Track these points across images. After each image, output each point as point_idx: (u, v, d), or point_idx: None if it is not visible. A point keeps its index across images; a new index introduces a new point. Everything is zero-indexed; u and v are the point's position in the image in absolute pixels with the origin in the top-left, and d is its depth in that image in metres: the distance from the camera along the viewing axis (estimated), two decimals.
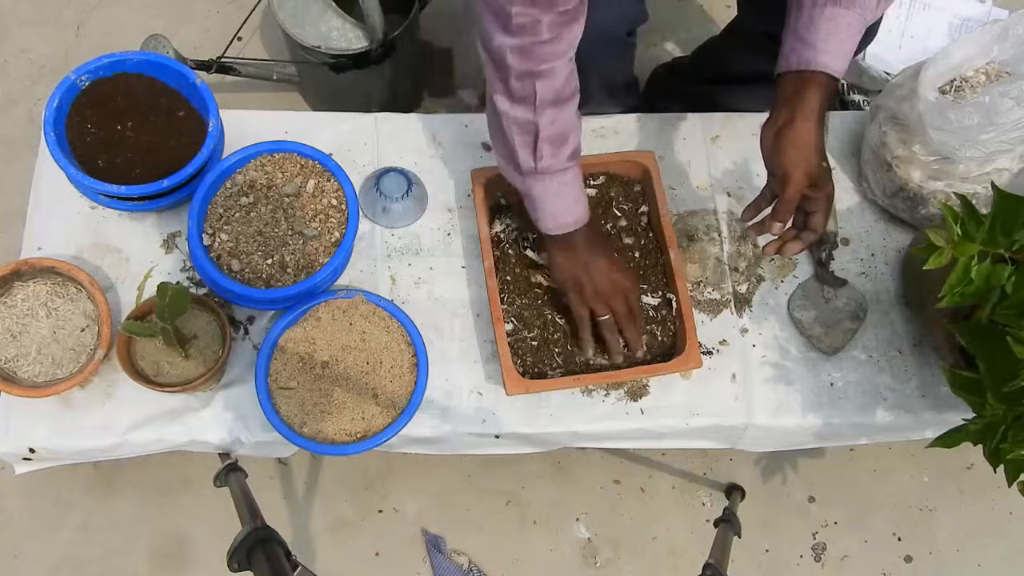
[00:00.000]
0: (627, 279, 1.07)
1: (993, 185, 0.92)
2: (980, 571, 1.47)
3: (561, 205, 1.02)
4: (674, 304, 1.15)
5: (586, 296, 1.06)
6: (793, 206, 0.94)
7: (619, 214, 1.20)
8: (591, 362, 1.12)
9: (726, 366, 1.17)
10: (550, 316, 1.14)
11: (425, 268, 1.20)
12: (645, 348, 1.11)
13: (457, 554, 1.43)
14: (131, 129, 1.13)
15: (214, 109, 1.12)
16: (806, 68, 0.92)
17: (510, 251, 1.17)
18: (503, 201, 1.20)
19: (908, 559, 1.48)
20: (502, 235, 1.17)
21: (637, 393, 1.15)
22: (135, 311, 1.09)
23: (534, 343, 1.13)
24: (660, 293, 1.16)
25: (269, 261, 1.11)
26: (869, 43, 1.23)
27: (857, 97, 1.62)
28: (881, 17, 1.11)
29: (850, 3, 0.91)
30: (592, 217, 1.05)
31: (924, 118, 1.09)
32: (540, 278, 1.15)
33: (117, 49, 1.14)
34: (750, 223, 0.99)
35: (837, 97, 1.65)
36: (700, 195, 1.26)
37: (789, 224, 0.97)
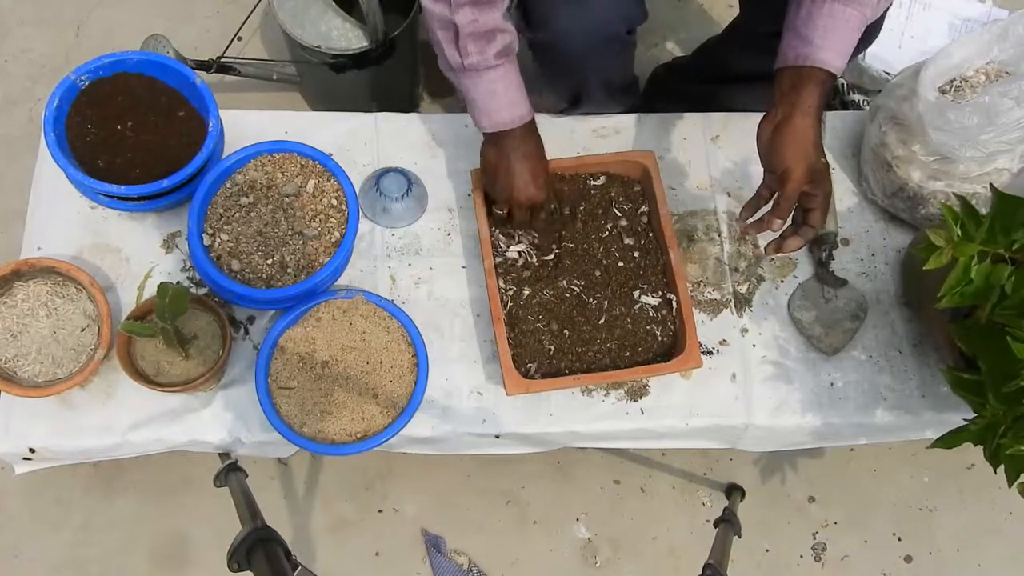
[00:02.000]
0: (536, 191, 1.08)
1: (992, 187, 0.92)
2: (980, 571, 1.47)
3: (494, 103, 1.02)
4: (674, 304, 1.15)
5: (496, 191, 1.09)
6: (793, 203, 0.94)
7: (619, 214, 1.20)
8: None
9: (726, 366, 1.17)
10: (549, 316, 1.14)
11: (425, 268, 1.20)
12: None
13: (457, 554, 1.43)
14: (131, 129, 1.13)
15: (214, 109, 1.12)
16: (804, 64, 0.92)
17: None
18: None
19: (908, 559, 1.47)
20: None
21: (637, 393, 1.15)
22: (135, 311, 1.09)
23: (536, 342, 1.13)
24: (660, 293, 1.16)
25: (269, 261, 1.11)
26: (871, 42, 1.22)
27: (857, 97, 1.62)
28: (884, 17, 1.11)
29: (849, 0, 0.91)
30: (531, 124, 1.06)
31: (924, 118, 1.09)
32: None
33: (117, 49, 1.14)
34: (748, 221, 0.99)
35: (836, 94, 1.65)
36: (700, 195, 1.26)
37: (788, 221, 0.97)
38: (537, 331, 1.14)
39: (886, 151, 1.18)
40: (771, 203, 0.97)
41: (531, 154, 1.07)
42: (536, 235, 1.18)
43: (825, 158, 0.96)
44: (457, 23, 0.96)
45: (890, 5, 1.01)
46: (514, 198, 1.08)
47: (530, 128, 1.06)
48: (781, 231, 0.98)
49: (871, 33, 1.18)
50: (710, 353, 1.17)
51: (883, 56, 1.59)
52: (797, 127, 0.92)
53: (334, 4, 1.42)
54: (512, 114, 1.03)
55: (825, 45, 0.92)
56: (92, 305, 1.09)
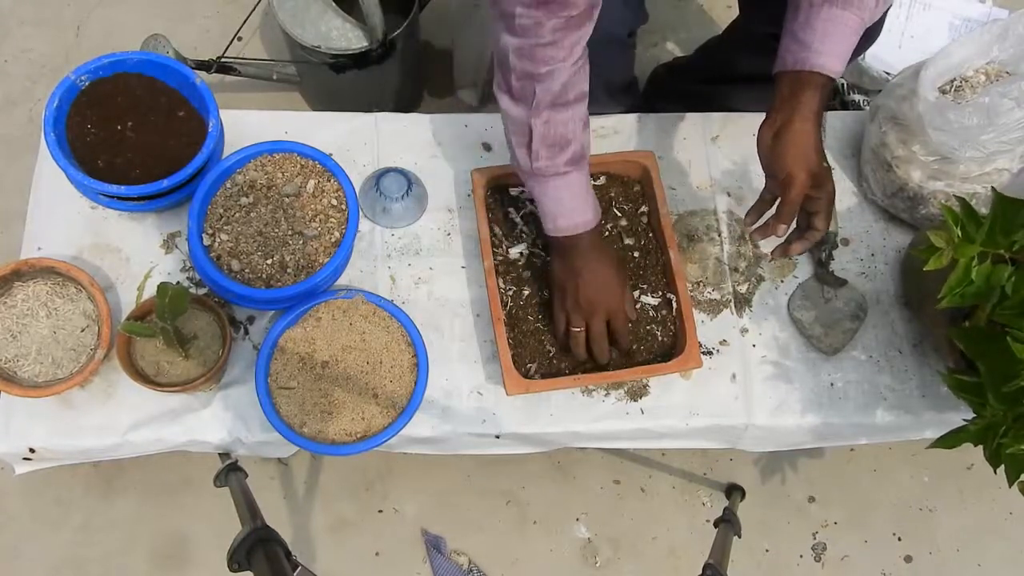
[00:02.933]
0: (612, 298, 1.07)
1: (992, 189, 0.92)
2: (980, 571, 1.48)
3: (559, 208, 1.02)
4: (674, 304, 1.14)
5: (567, 304, 1.07)
6: (796, 207, 0.94)
7: (619, 214, 1.20)
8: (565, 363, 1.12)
9: (726, 366, 1.17)
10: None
11: (425, 268, 1.20)
12: (611, 358, 1.11)
13: (457, 554, 1.43)
14: (131, 129, 1.13)
15: (214, 109, 1.12)
16: (803, 68, 0.92)
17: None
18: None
19: (908, 559, 1.48)
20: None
21: (637, 393, 1.15)
22: (135, 311, 1.09)
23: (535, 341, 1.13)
24: (660, 293, 1.16)
25: (269, 261, 1.11)
26: (871, 44, 1.23)
27: (857, 97, 1.62)
28: (883, 18, 1.11)
29: (847, 4, 0.91)
30: (597, 229, 1.05)
31: (924, 118, 1.09)
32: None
33: (117, 49, 1.14)
34: (753, 227, 0.99)
35: (836, 94, 1.65)
36: (700, 195, 1.26)
37: (792, 225, 0.97)
38: (537, 331, 1.14)
39: (886, 151, 1.18)
40: (774, 208, 0.96)
41: (602, 259, 1.06)
42: (603, 354, 1.10)
43: (827, 161, 0.96)
44: (532, 127, 0.96)
45: (889, 8, 1.01)
46: (588, 309, 1.06)
47: (597, 233, 1.05)
48: (786, 236, 0.98)
49: (871, 35, 1.18)
50: (710, 353, 1.17)
51: (883, 56, 1.59)
52: (798, 132, 0.92)
53: (334, 4, 1.42)
54: (575, 221, 1.03)
55: (823, 50, 0.92)
56: (92, 305, 1.09)
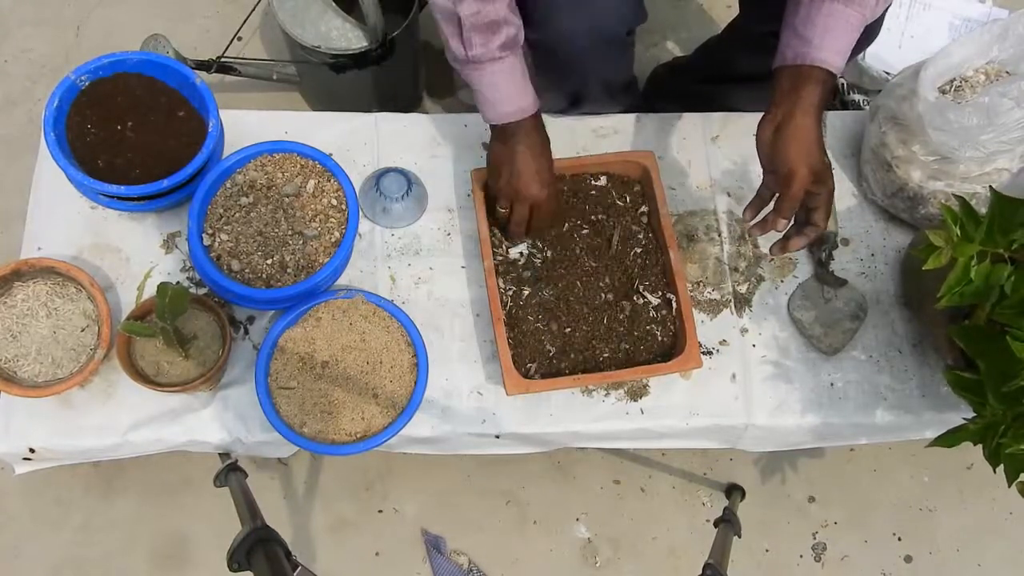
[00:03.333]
0: (538, 188, 1.08)
1: (991, 188, 0.92)
2: (980, 571, 1.47)
3: (497, 95, 1.02)
4: (674, 304, 1.14)
5: (499, 186, 1.09)
6: (797, 203, 0.94)
7: (619, 214, 1.20)
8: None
9: (726, 366, 1.17)
10: (550, 316, 1.14)
11: (425, 268, 1.20)
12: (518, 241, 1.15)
13: (457, 554, 1.43)
14: (131, 129, 1.13)
15: (214, 109, 1.12)
16: (803, 63, 0.92)
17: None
18: None
19: (908, 559, 1.47)
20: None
21: (637, 393, 1.15)
22: (135, 311, 1.09)
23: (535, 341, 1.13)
24: (660, 293, 1.16)
25: (269, 261, 1.11)
26: (871, 43, 1.22)
27: (857, 97, 1.62)
28: (883, 17, 1.11)
29: (848, 0, 0.91)
30: (536, 117, 1.06)
31: (924, 118, 1.09)
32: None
33: (117, 49, 1.14)
34: (752, 223, 0.99)
35: (836, 94, 1.65)
36: (700, 195, 1.26)
37: (791, 221, 0.97)
38: (537, 331, 1.14)
39: (886, 151, 1.18)
40: (773, 204, 0.96)
41: (534, 149, 1.06)
42: (531, 237, 1.16)
43: (827, 157, 0.95)
44: (460, 15, 0.96)
45: (889, 5, 1.01)
46: (515, 193, 1.08)
47: (534, 122, 1.05)
48: (784, 231, 0.98)
49: (871, 33, 1.18)
50: (710, 353, 1.17)
51: (883, 56, 1.59)
52: (799, 127, 0.92)
53: (334, 4, 1.42)
54: (514, 106, 1.03)
55: (824, 45, 0.92)
56: (92, 305, 1.09)
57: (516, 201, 1.09)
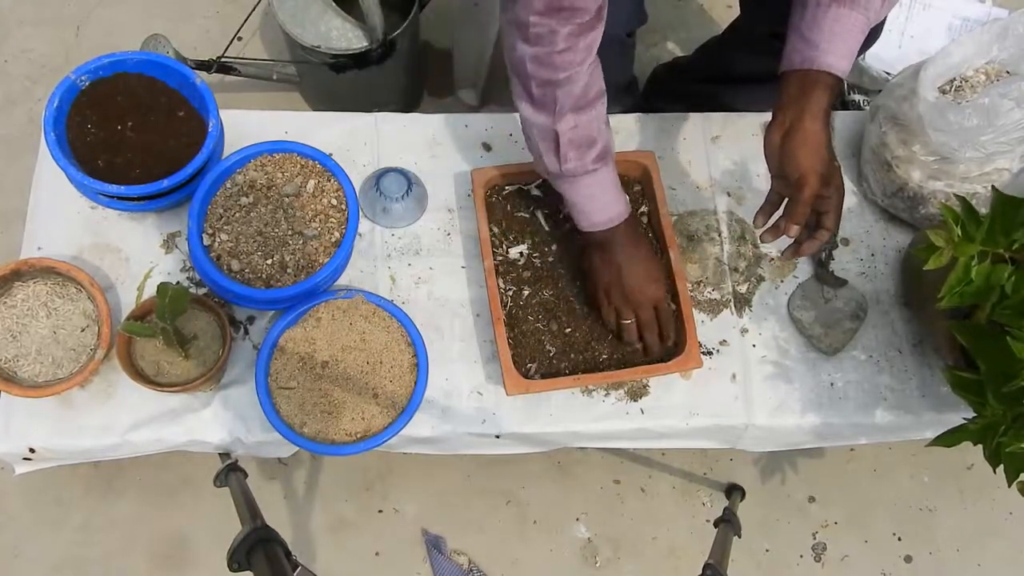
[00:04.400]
0: (656, 288, 1.09)
1: (993, 188, 0.92)
2: (980, 571, 1.48)
3: (593, 205, 1.04)
4: (674, 304, 1.14)
5: (614, 299, 1.09)
6: (809, 208, 0.93)
7: None
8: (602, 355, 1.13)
9: (726, 366, 1.17)
10: (552, 315, 1.14)
11: (425, 268, 1.20)
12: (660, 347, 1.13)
13: (457, 554, 1.43)
14: (131, 129, 1.13)
15: (214, 109, 1.12)
16: (811, 68, 0.92)
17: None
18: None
19: (908, 559, 1.48)
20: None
21: (637, 393, 1.15)
22: (135, 311, 1.09)
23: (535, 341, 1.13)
24: None
25: (269, 261, 1.11)
26: (872, 44, 1.23)
27: (857, 97, 1.63)
28: (885, 18, 1.11)
29: (854, 3, 0.91)
30: (631, 219, 1.07)
31: (924, 118, 1.09)
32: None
33: (117, 49, 1.14)
34: (763, 229, 0.99)
35: (839, 96, 1.65)
36: (700, 195, 1.26)
37: (803, 226, 0.97)
38: (537, 331, 1.14)
39: (886, 151, 1.18)
40: (783, 208, 0.96)
41: (638, 250, 1.08)
42: (650, 340, 1.12)
43: (837, 160, 0.95)
44: (559, 132, 0.97)
45: (893, 7, 1.01)
46: (636, 302, 1.08)
47: (628, 226, 1.06)
48: (796, 236, 0.98)
49: (872, 35, 1.18)
50: (710, 353, 1.17)
51: (883, 56, 1.59)
52: (808, 132, 0.92)
53: (334, 4, 1.43)
54: (607, 215, 1.04)
55: (831, 49, 0.91)
56: (92, 305, 1.09)
57: (639, 308, 1.09)
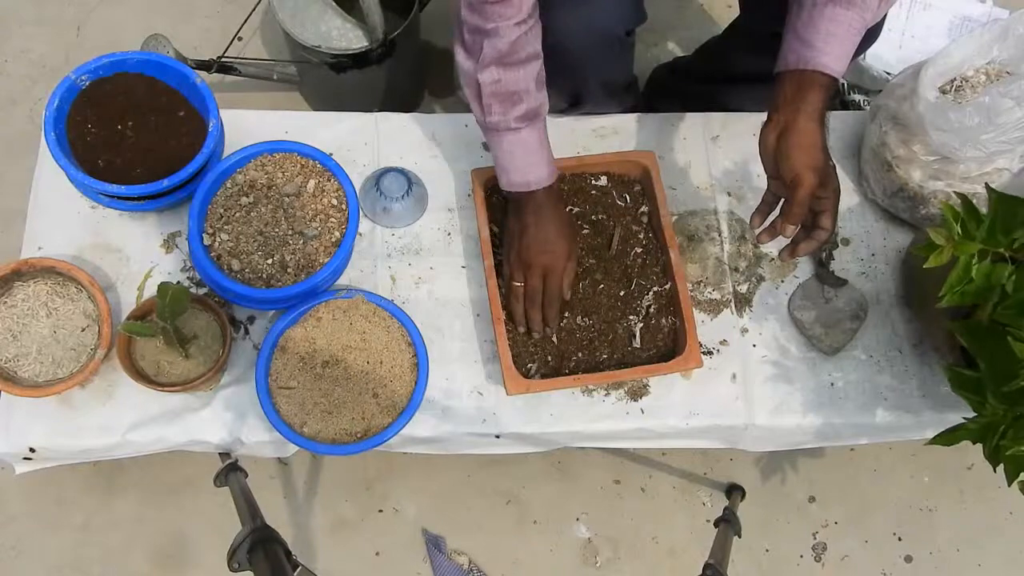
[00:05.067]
0: (550, 257, 1.08)
1: (987, 186, 0.92)
2: (980, 571, 1.47)
3: (512, 163, 1.04)
4: (673, 305, 1.14)
5: (511, 259, 1.10)
6: (806, 208, 0.93)
7: (620, 214, 1.20)
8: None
9: (726, 366, 1.17)
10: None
11: (425, 268, 1.20)
12: (549, 328, 1.12)
13: (457, 554, 1.43)
14: (131, 129, 1.13)
15: (214, 109, 1.12)
16: (806, 68, 0.92)
17: None
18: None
19: (908, 559, 1.48)
20: None
21: (637, 393, 1.15)
22: (135, 311, 1.09)
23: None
24: (660, 293, 1.16)
25: (269, 261, 1.11)
26: (872, 44, 1.22)
27: (857, 97, 1.62)
28: (884, 18, 1.11)
29: (850, 3, 0.91)
30: (551, 189, 1.06)
31: (924, 118, 1.09)
32: None
33: (117, 49, 1.14)
34: (760, 229, 0.99)
35: (836, 94, 1.65)
36: (700, 195, 1.26)
37: (799, 226, 0.97)
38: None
39: (886, 151, 1.18)
40: (779, 209, 0.96)
41: (552, 217, 1.08)
42: (542, 315, 1.11)
43: (832, 160, 0.95)
44: (480, 81, 0.98)
45: (890, 7, 1.01)
46: (530, 265, 1.08)
47: (547, 194, 1.06)
48: (792, 236, 0.98)
49: (871, 35, 1.18)
50: (710, 353, 1.17)
51: (883, 56, 1.59)
52: (803, 132, 0.92)
53: (334, 4, 1.43)
54: (525, 177, 1.04)
55: (827, 49, 0.91)
56: (92, 305, 1.09)
57: (528, 272, 1.08)
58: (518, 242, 1.08)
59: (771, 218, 0.98)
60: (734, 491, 1.44)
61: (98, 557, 1.39)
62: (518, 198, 1.07)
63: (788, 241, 0.97)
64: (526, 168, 1.04)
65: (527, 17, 0.96)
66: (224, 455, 1.13)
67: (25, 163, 1.23)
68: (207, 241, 1.11)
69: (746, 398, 1.16)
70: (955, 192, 1.11)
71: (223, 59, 1.48)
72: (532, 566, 1.43)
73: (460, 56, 1.00)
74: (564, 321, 1.14)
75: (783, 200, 0.95)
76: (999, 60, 1.14)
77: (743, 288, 1.21)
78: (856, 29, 0.93)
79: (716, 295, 1.20)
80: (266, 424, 1.07)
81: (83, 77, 1.11)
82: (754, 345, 1.19)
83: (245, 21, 1.58)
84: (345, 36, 1.43)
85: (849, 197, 1.28)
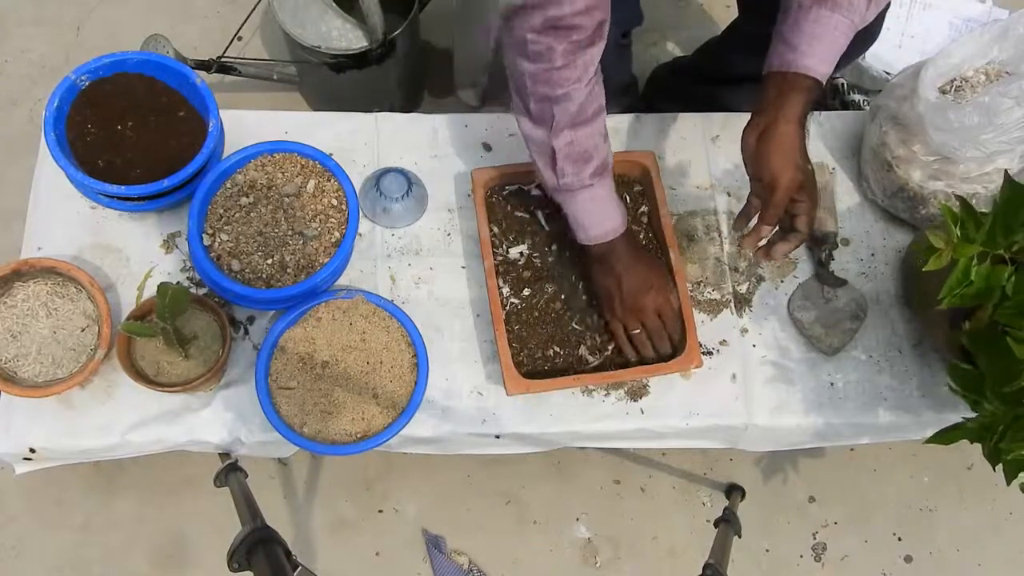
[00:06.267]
0: (659, 293, 1.09)
1: (1006, 174, 0.91)
2: (980, 571, 1.48)
3: (590, 219, 1.04)
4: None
5: (617, 312, 1.09)
6: (781, 210, 0.94)
7: None
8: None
9: (726, 366, 1.17)
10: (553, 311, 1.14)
11: (425, 268, 1.20)
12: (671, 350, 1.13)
13: (457, 554, 1.43)
14: (131, 129, 1.13)
15: (214, 109, 1.12)
16: (788, 70, 0.92)
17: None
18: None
19: (908, 559, 1.48)
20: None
21: (637, 393, 1.15)
22: (135, 311, 1.09)
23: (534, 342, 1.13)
24: None
25: (269, 261, 1.11)
26: (871, 44, 1.23)
27: (857, 97, 1.62)
28: (883, 18, 1.11)
29: (836, 6, 0.91)
30: (628, 232, 1.07)
31: (924, 118, 1.09)
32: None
33: (117, 49, 1.14)
34: (745, 234, 0.99)
35: (836, 94, 1.65)
36: (700, 195, 1.26)
37: (776, 228, 0.97)
38: (537, 331, 1.14)
39: (886, 151, 1.18)
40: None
41: (635, 260, 1.08)
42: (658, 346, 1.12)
43: (811, 163, 0.96)
44: (555, 147, 0.98)
45: (884, 10, 1.01)
46: (639, 310, 1.08)
47: (625, 239, 1.07)
48: (768, 237, 0.98)
49: (871, 35, 1.18)
50: (710, 353, 1.17)
51: (883, 56, 1.59)
52: (782, 134, 0.92)
53: (334, 4, 1.43)
54: (603, 228, 1.04)
55: (810, 52, 0.91)
56: (92, 305, 1.09)
57: (643, 317, 1.09)
58: (619, 292, 1.08)
59: (755, 221, 0.98)
60: (734, 491, 1.44)
61: (98, 557, 1.40)
62: (600, 251, 1.06)
63: (764, 241, 0.98)
64: (603, 220, 1.04)
65: (592, 76, 0.96)
66: (224, 455, 1.13)
67: (25, 163, 1.23)
68: (207, 241, 1.11)
69: (746, 398, 1.16)
70: (954, 194, 1.11)
71: (223, 59, 1.48)
72: (532, 566, 1.43)
73: (527, 127, 0.99)
74: (564, 321, 1.14)
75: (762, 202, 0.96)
76: (999, 60, 1.14)
77: (743, 288, 1.21)
78: (842, 31, 0.92)
79: (716, 295, 1.20)
80: (266, 424, 1.07)
81: (83, 77, 1.11)
82: (754, 345, 1.19)
83: (245, 21, 1.58)
84: (345, 36, 1.43)
85: (849, 197, 1.28)
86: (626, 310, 1.08)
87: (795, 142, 0.92)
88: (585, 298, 1.16)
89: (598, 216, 1.04)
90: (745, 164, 0.97)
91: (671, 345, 1.11)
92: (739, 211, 1.01)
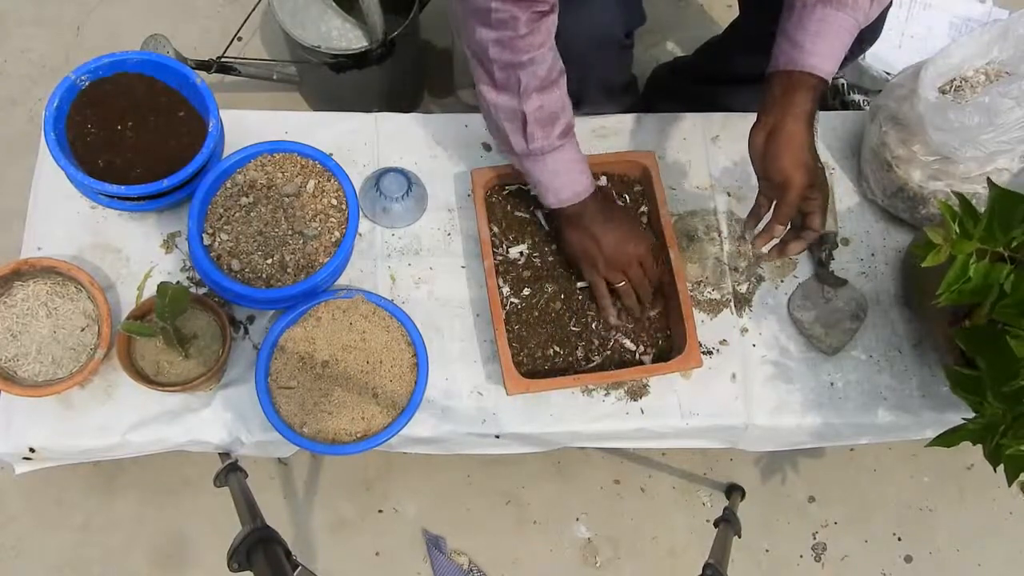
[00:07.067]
0: (638, 245, 1.09)
1: (989, 181, 0.92)
2: (980, 571, 1.47)
3: (559, 181, 1.04)
4: (674, 301, 1.14)
5: (599, 267, 1.09)
6: (794, 209, 0.94)
7: None
8: (612, 326, 1.13)
9: (726, 366, 1.17)
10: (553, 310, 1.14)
11: (425, 268, 1.20)
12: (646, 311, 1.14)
13: (457, 554, 1.43)
14: (131, 129, 1.13)
15: (214, 109, 1.12)
16: (794, 69, 0.92)
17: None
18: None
19: (908, 559, 1.48)
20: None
21: (637, 393, 1.15)
22: (135, 311, 1.09)
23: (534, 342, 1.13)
24: (660, 293, 1.16)
25: (269, 261, 1.11)
26: (872, 44, 1.22)
27: (857, 97, 1.62)
28: (884, 18, 1.11)
29: (841, 4, 0.91)
30: (598, 191, 1.07)
31: (924, 118, 1.09)
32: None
33: (117, 49, 1.14)
34: (755, 233, 0.99)
35: (836, 94, 1.65)
36: (700, 195, 1.26)
37: (788, 226, 0.97)
38: (537, 331, 1.14)
39: (886, 151, 1.18)
40: (771, 210, 0.97)
41: (614, 212, 1.08)
42: (639, 301, 1.13)
43: (820, 161, 0.96)
44: (525, 112, 0.98)
45: (887, 8, 1.01)
46: (622, 262, 1.08)
47: (595, 198, 1.06)
48: (782, 236, 0.98)
49: (872, 34, 1.18)
50: (710, 353, 1.17)
51: (883, 56, 1.59)
52: (791, 133, 0.92)
53: (334, 4, 1.43)
54: (575, 188, 1.05)
55: (815, 50, 0.92)
56: (92, 305, 1.09)
57: (626, 268, 1.09)
58: (599, 249, 1.07)
59: (765, 220, 0.98)
60: (734, 491, 1.44)
61: (98, 557, 1.40)
62: (572, 212, 1.06)
63: (778, 240, 0.98)
64: (573, 181, 1.04)
65: (554, 38, 0.96)
66: (224, 455, 1.13)
67: (25, 163, 1.23)
68: (207, 241, 1.11)
69: (746, 398, 1.16)
70: (953, 191, 1.11)
71: (223, 59, 1.48)
72: (532, 566, 1.43)
73: (492, 95, 0.99)
74: (564, 321, 1.14)
75: (773, 201, 0.95)
76: (999, 60, 1.14)
77: (743, 288, 1.21)
78: (847, 30, 0.93)
79: (716, 295, 1.20)
80: (266, 424, 1.07)
81: (83, 77, 1.11)
82: (754, 345, 1.19)
83: (245, 21, 1.58)
84: (345, 36, 1.43)
85: (849, 197, 1.28)
86: (609, 265, 1.08)
87: (804, 140, 0.92)
88: (581, 297, 1.16)
89: (568, 177, 1.04)
90: (753, 164, 0.97)
91: (642, 300, 1.12)
92: (749, 211, 1.00)
